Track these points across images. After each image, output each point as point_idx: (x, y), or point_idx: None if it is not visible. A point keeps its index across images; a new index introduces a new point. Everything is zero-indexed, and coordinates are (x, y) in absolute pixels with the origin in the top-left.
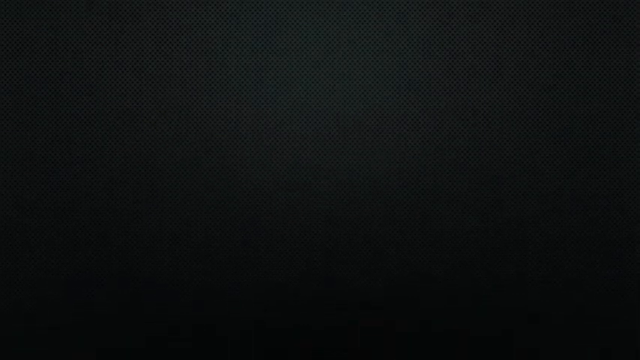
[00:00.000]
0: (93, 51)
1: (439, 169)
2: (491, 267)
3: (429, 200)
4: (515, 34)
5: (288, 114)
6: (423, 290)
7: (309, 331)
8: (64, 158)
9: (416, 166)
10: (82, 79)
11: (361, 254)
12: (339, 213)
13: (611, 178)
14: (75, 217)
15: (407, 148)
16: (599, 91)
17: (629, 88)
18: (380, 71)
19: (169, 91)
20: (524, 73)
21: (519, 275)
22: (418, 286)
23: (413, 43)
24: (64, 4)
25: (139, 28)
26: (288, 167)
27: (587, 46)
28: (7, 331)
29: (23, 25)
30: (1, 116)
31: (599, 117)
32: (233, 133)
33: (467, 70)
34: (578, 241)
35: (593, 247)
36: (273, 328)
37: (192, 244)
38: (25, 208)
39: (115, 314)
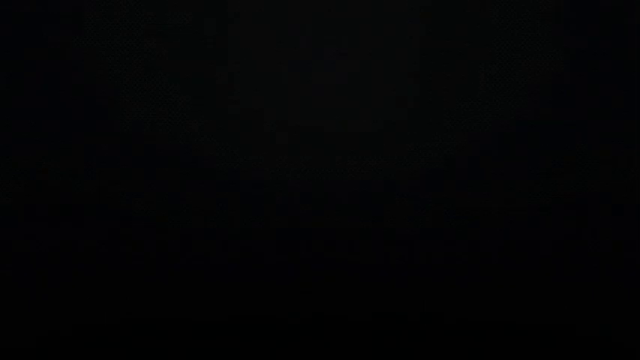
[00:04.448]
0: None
1: (438, 169)
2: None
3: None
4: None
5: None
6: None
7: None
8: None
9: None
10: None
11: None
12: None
13: (610, 179)
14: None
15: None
16: (599, 90)
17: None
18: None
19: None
20: (531, 74)
21: (515, 276)
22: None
23: (410, 40)
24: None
25: (137, 25)
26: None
27: (587, 45)
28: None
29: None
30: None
31: (599, 117)
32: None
33: (467, 68)
34: (577, 242)
35: (592, 248)
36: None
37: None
38: None
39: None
